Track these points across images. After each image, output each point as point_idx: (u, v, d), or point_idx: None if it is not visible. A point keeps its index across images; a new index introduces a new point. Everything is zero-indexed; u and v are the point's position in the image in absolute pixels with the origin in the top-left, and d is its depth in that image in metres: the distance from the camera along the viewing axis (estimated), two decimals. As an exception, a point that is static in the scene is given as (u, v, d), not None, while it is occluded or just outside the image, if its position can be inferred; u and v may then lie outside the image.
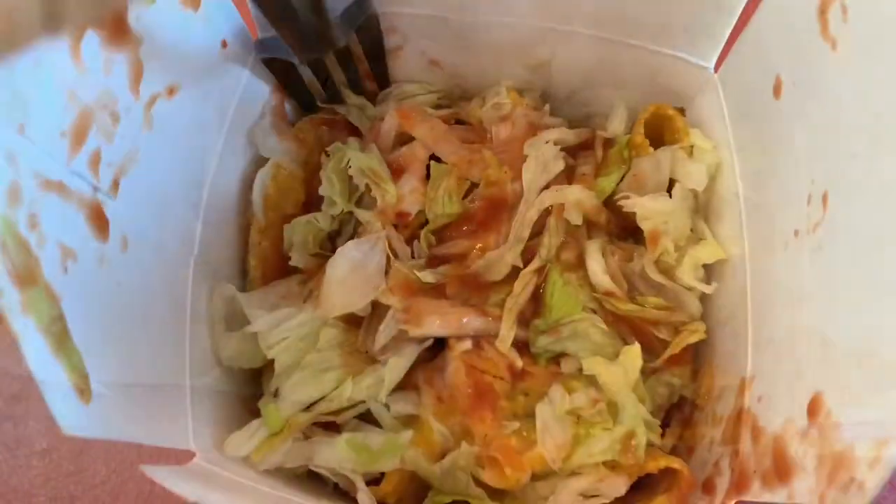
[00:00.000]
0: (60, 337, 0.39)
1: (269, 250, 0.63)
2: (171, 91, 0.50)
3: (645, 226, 0.57)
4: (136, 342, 0.47)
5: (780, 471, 0.45)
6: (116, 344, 0.45)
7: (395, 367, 0.55)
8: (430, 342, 0.57)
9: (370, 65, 0.65)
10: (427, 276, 0.58)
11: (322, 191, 0.62)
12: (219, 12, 0.54)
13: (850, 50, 0.42)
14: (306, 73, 0.62)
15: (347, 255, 0.57)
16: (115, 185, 0.45)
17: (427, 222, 0.61)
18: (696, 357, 0.60)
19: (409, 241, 0.61)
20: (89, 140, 0.42)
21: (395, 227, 0.61)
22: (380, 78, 0.67)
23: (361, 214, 0.61)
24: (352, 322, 0.58)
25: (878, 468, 0.36)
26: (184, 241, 0.54)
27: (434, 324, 0.56)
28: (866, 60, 0.41)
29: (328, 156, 0.64)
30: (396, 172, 0.62)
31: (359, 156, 0.61)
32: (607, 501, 0.53)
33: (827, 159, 0.45)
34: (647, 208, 0.57)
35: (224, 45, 0.55)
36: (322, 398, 0.56)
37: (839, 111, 0.43)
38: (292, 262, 0.61)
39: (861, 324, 0.40)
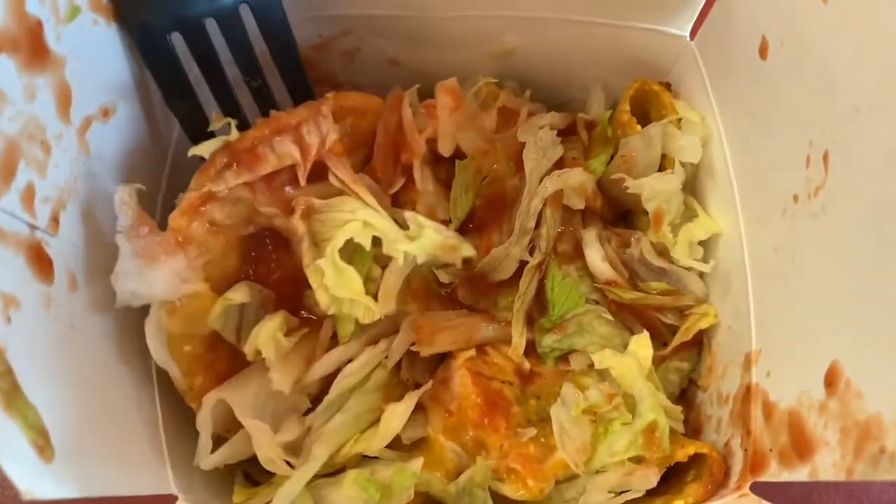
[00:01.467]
0: (10, 393, 0.35)
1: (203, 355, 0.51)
2: (105, 112, 0.46)
3: (650, 206, 0.55)
4: (101, 388, 0.43)
5: (800, 447, 0.43)
6: (78, 392, 0.41)
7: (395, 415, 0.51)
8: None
9: (284, 77, 0.55)
10: (443, 276, 0.55)
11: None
12: None
13: (843, 2, 0.40)
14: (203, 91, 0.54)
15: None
16: (55, 220, 0.41)
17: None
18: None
19: None
20: (19, 175, 0.38)
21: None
22: (297, 90, 0.56)
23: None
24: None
25: (911, 436, 0.34)
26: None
27: (447, 340, 0.53)
28: (861, 13, 0.39)
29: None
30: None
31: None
32: (639, 495, 0.50)
33: (825, 118, 0.42)
34: (655, 189, 0.55)
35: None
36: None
37: (835, 67, 0.41)
38: (249, 357, 0.50)
39: (878, 286, 0.38)
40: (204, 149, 0.49)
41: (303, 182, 0.50)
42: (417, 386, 0.53)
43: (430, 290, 0.56)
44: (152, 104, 0.51)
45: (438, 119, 0.56)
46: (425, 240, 0.50)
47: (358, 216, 0.50)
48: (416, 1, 0.56)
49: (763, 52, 0.48)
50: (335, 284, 0.48)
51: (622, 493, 0.51)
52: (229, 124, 0.51)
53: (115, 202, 0.45)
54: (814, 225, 0.44)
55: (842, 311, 0.41)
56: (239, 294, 0.49)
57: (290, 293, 0.52)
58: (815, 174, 0.43)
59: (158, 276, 0.46)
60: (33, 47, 0.38)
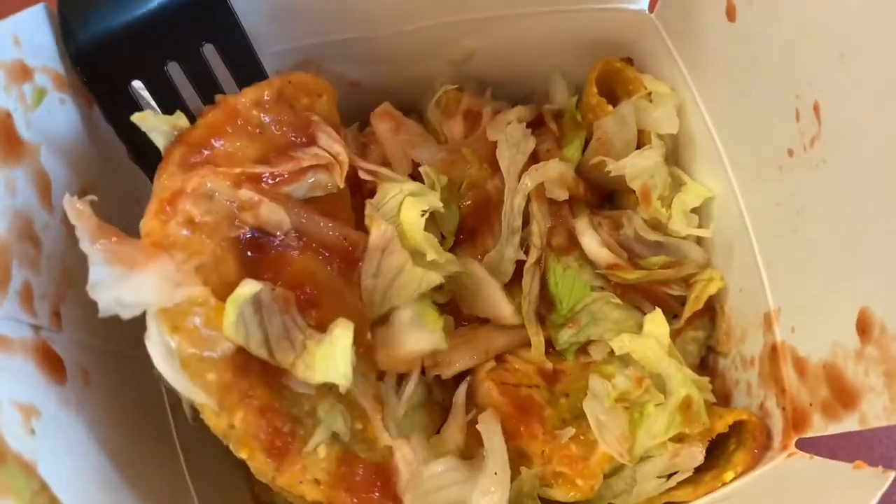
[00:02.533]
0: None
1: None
2: (85, 192, 0.43)
3: (635, 185, 0.55)
4: (134, 482, 0.41)
5: (843, 397, 0.43)
6: (110, 492, 0.39)
7: None
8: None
9: (234, 73, 0.50)
10: (438, 297, 0.53)
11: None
12: None
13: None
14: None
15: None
16: (56, 315, 0.40)
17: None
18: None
19: None
20: (14, 277, 0.37)
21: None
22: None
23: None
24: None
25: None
26: (145, 349, 0.48)
27: (464, 357, 0.52)
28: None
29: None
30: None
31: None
32: (689, 475, 0.50)
33: (809, 70, 0.42)
34: (638, 167, 0.55)
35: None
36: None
37: (811, 17, 0.41)
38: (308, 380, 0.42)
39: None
40: (148, 124, 0.43)
41: (341, 183, 0.46)
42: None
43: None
44: (132, 174, 0.49)
45: (384, 145, 0.55)
46: None
47: (406, 190, 0.49)
48: (367, 22, 0.54)
49: (731, 14, 0.47)
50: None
51: (671, 476, 0.50)
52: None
53: (69, 216, 0.37)
54: (816, 175, 0.44)
55: (862, 256, 0.41)
56: (247, 288, 0.40)
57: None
58: (808, 126, 0.43)
59: (145, 280, 0.39)
60: (6, 140, 0.36)
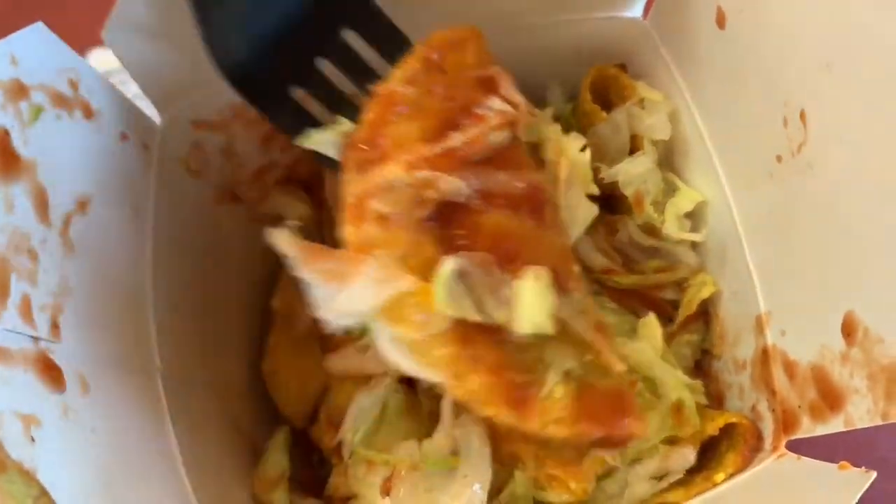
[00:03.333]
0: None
1: None
2: (82, 205, 0.44)
3: (628, 191, 0.55)
4: (132, 488, 0.42)
5: (829, 399, 0.44)
6: (109, 497, 0.40)
7: None
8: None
9: (381, 51, 0.50)
10: None
11: None
12: (111, 105, 0.48)
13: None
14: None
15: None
16: (55, 326, 0.40)
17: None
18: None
19: None
20: (13, 291, 0.37)
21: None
22: None
23: None
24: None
25: (941, 372, 0.34)
26: (142, 357, 0.49)
27: None
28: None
29: None
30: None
31: None
32: (681, 476, 0.50)
33: (796, 78, 0.43)
34: (630, 173, 0.55)
35: (124, 137, 0.49)
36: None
37: (798, 27, 0.41)
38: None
39: (880, 231, 0.39)
40: (316, 141, 0.46)
41: (523, 136, 0.47)
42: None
43: None
44: (125, 185, 0.50)
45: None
46: None
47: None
48: None
49: (721, 22, 0.48)
50: None
51: (663, 477, 0.51)
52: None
53: (278, 248, 0.42)
54: (803, 181, 0.44)
55: (847, 260, 0.41)
56: (447, 265, 0.42)
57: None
58: (795, 132, 0.44)
59: (356, 289, 0.41)
60: (4, 158, 0.37)
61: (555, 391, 0.43)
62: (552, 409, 0.43)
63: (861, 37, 0.37)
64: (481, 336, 0.42)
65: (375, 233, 0.43)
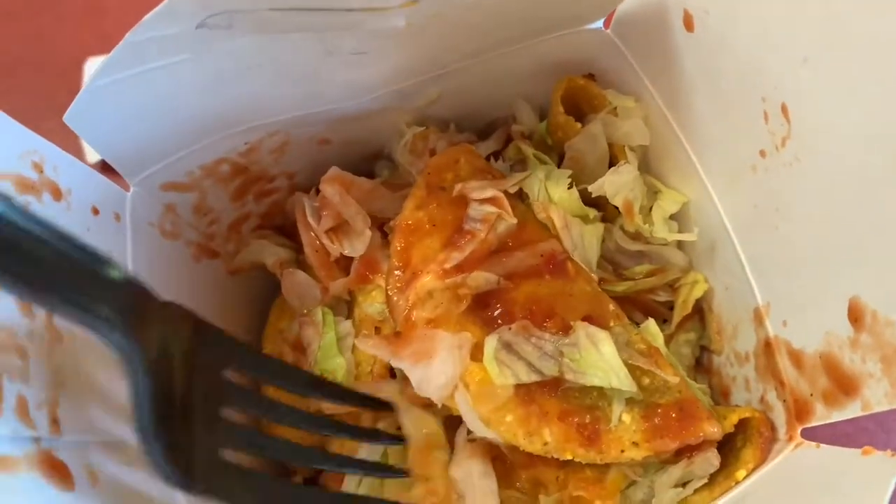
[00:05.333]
0: None
1: None
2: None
3: (618, 201, 0.55)
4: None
5: (843, 385, 0.44)
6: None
7: None
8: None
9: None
10: None
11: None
12: (79, 181, 0.47)
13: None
14: None
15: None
16: (55, 422, 0.38)
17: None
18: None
19: None
20: (7, 393, 0.35)
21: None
22: None
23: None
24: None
25: (953, 351, 0.35)
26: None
27: None
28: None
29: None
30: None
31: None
32: (705, 480, 0.50)
33: (773, 73, 0.43)
34: (617, 183, 0.55)
35: (95, 211, 0.47)
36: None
37: (770, 23, 0.42)
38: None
39: (875, 213, 0.39)
40: None
41: (512, 220, 0.52)
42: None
43: None
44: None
45: (336, 207, 0.56)
46: None
47: (540, 176, 0.57)
48: (339, 93, 0.53)
49: (688, 24, 0.48)
50: None
51: (687, 483, 0.50)
52: None
53: (367, 351, 0.50)
54: (791, 173, 0.44)
55: (847, 248, 0.42)
56: (491, 344, 0.48)
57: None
58: (778, 126, 0.44)
59: (440, 361, 0.48)
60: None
61: (623, 419, 0.47)
62: (624, 436, 0.47)
63: (836, 33, 0.38)
64: (541, 391, 0.48)
65: (434, 314, 0.50)
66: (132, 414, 0.36)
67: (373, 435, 0.52)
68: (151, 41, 0.37)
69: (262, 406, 0.48)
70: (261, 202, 0.61)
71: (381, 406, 0.52)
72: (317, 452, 0.53)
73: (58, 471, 0.37)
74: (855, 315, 0.42)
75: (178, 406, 0.38)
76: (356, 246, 0.56)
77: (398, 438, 0.51)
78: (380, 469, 0.52)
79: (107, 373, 0.45)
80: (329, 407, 0.52)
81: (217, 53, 0.42)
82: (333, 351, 0.55)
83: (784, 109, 0.43)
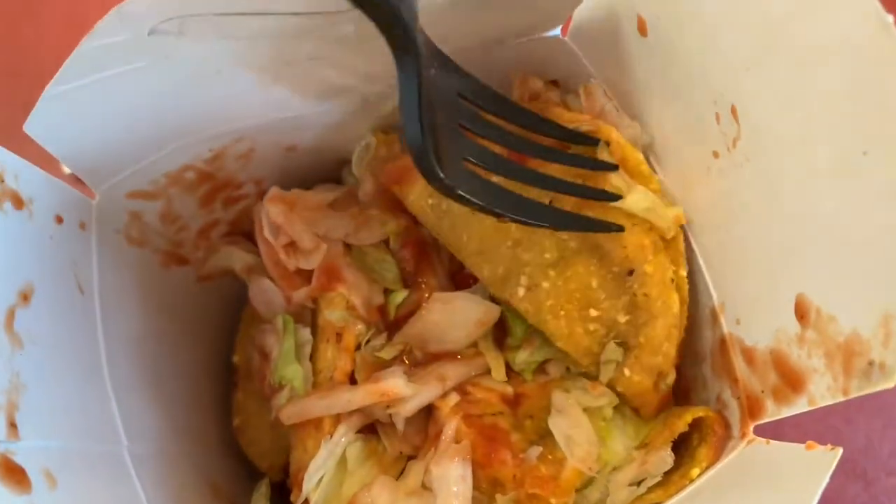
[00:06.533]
0: None
1: None
2: (25, 297, 0.43)
3: None
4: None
5: (791, 381, 0.45)
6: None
7: None
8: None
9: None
10: (389, 352, 0.55)
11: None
12: (42, 190, 0.47)
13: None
14: None
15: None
16: (13, 426, 0.39)
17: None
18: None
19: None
20: (-40, 397, 0.36)
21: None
22: None
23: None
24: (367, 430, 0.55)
25: (892, 344, 0.35)
26: (107, 437, 0.48)
27: (423, 392, 0.53)
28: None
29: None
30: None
31: None
32: (659, 479, 0.51)
33: (720, 78, 0.44)
34: None
35: (59, 220, 0.48)
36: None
37: (715, 31, 0.43)
38: None
39: (818, 213, 0.40)
40: None
41: None
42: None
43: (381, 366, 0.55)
44: (67, 267, 0.49)
45: (283, 227, 0.57)
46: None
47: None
48: (300, 100, 0.54)
49: (642, 30, 0.49)
50: None
51: (641, 482, 0.51)
52: None
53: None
54: (742, 173, 0.45)
55: (792, 247, 0.43)
56: None
57: None
58: (729, 127, 0.45)
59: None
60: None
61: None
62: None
63: (776, 44, 0.39)
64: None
65: None
66: (401, 110, 0.42)
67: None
68: (104, 48, 0.38)
69: (490, 130, 0.50)
70: (229, 209, 0.62)
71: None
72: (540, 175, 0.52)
73: (14, 475, 0.37)
74: (801, 312, 0.42)
75: (434, 111, 0.43)
76: (310, 260, 0.57)
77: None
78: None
79: (72, 378, 0.46)
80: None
81: (174, 60, 0.43)
82: (291, 358, 0.56)
83: (734, 111, 0.44)
